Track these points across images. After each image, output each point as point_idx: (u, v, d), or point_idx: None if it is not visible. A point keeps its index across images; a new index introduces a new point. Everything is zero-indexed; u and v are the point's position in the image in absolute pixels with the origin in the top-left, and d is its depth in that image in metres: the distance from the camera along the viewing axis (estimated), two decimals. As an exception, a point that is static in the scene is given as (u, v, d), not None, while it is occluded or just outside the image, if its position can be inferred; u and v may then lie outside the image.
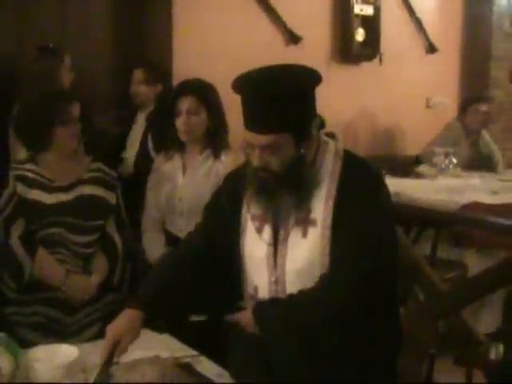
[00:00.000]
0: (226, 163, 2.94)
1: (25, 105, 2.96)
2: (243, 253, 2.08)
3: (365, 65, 5.41)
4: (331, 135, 2.09)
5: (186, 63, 4.29)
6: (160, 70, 3.99)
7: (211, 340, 2.48)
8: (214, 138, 2.98)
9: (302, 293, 1.94)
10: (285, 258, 1.98)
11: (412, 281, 2.77)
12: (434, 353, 2.79)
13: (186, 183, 2.98)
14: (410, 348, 2.49)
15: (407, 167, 4.72)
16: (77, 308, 2.78)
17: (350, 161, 2.00)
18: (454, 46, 6.20)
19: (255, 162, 1.91)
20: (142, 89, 3.86)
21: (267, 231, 2.01)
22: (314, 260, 1.93)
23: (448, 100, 6.07)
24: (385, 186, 1.99)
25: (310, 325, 1.93)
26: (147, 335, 2.42)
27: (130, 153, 3.73)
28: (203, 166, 2.98)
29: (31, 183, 2.77)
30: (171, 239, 3.01)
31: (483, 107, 5.23)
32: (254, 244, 2.04)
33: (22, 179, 2.77)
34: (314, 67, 1.97)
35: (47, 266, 2.74)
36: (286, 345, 1.98)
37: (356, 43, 5.24)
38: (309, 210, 1.94)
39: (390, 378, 2.11)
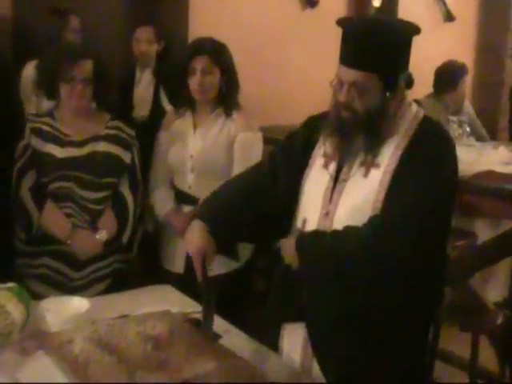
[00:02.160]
0: (238, 122, 2.98)
1: (38, 62, 3.02)
2: (303, 187, 2.13)
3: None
4: (418, 102, 2.14)
5: (202, 27, 4.26)
6: (163, 26, 3.97)
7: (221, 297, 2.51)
8: (226, 98, 2.99)
9: (347, 228, 1.97)
10: (341, 194, 2.03)
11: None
12: (440, 319, 2.80)
13: (197, 141, 2.98)
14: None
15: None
16: (83, 263, 2.80)
17: (427, 124, 2.05)
18: (471, 17, 6.12)
19: (341, 97, 1.97)
20: (151, 47, 3.84)
21: (332, 166, 2.07)
22: (367, 201, 1.97)
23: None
24: (455, 157, 2.01)
25: (348, 261, 1.93)
26: (158, 291, 2.46)
27: (141, 111, 3.72)
28: (215, 125, 2.99)
29: (46, 136, 2.80)
30: (180, 196, 3.03)
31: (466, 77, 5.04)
32: (317, 178, 2.10)
33: (38, 132, 2.80)
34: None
35: (54, 218, 2.77)
36: (320, 280, 1.99)
37: (372, 9, 5.19)
38: (376, 155, 2.00)
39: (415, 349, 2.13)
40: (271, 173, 2.21)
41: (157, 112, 3.31)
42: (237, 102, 3.04)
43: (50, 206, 2.77)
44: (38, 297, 2.32)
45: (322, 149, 2.12)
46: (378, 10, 5.21)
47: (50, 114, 2.87)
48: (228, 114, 2.99)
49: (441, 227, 2.00)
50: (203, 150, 2.96)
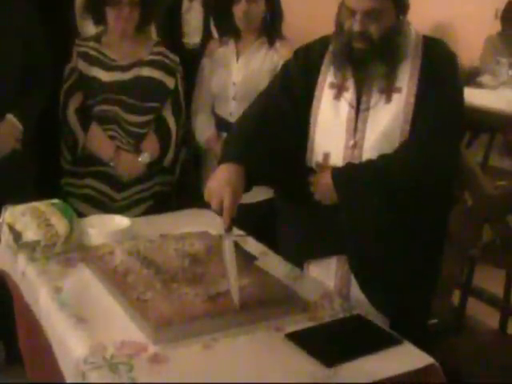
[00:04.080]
0: (281, 52, 2.97)
1: None
2: (315, 120, 2.10)
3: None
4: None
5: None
6: None
7: (258, 222, 2.56)
8: (270, 27, 2.99)
9: (383, 157, 1.98)
10: (366, 123, 2.02)
11: (462, 185, 2.78)
12: (476, 255, 2.82)
13: (240, 68, 3.00)
14: (452, 249, 2.52)
15: (470, 78, 4.60)
16: (126, 185, 2.88)
17: (431, 42, 2.07)
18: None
19: (355, 27, 1.95)
20: None
21: (349, 97, 2.05)
22: (396, 125, 1.98)
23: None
24: (459, 70, 2.08)
25: (395, 185, 1.95)
26: (198, 214, 2.51)
27: (193, 39, 3.75)
28: (258, 53, 3.00)
29: (92, 60, 2.84)
30: (221, 123, 3.05)
31: None
32: (332, 110, 2.08)
33: (84, 56, 2.85)
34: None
35: (98, 140, 2.84)
36: (366, 209, 1.99)
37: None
38: (394, 79, 2.01)
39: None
40: (277, 105, 2.12)
41: (208, 41, 3.34)
42: (280, 32, 3.04)
43: (95, 128, 2.83)
44: (81, 216, 2.40)
45: (328, 80, 2.09)
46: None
47: (97, 38, 2.90)
48: (271, 43, 2.99)
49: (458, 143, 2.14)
50: (245, 78, 2.97)
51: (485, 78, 4.55)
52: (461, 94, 2.05)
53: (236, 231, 2.28)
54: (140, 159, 2.84)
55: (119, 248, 2.00)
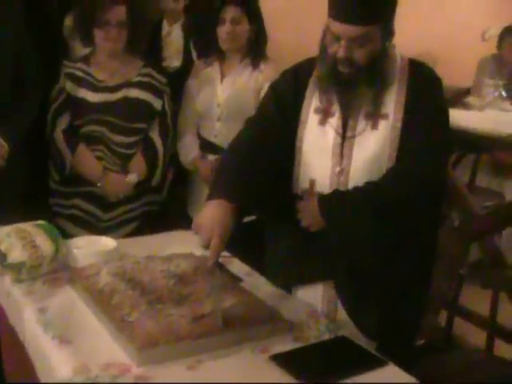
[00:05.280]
0: (266, 73, 2.98)
1: (75, 7, 3.08)
2: (301, 145, 2.08)
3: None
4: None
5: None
6: None
7: (244, 243, 2.55)
8: (254, 48, 3.01)
9: (369, 183, 1.96)
10: (352, 149, 2.00)
11: (449, 204, 2.80)
12: (464, 273, 2.83)
13: (224, 89, 3.02)
14: (440, 268, 2.54)
15: (457, 98, 4.64)
16: (113, 205, 2.90)
17: (416, 66, 2.06)
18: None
19: (340, 53, 1.92)
20: (178, 5, 3.86)
21: (335, 122, 2.03)
22: (383, 152, 1.97)
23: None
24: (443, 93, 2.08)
25: (385, 207, 1.93)
26: (183, 236, 2.51)
27: (173, 62, 3.79)
28: (242, 74, 3.02)
29: (79, 81, 2.87)
30: (205, 144, 3.07)
31: None
32: (317, 135, 2.05)
33: (72, 77, 2.88)
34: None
35: (86, 160, 2.86)
36: (357, 235, 1.98)
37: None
38: (380, 105, 1.99)
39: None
40: (272, 124, 2.10)
41: (189, 64, 3.36)
42: (265, 53, 3.06)
43: (82, 149, 2.85)
44: (69, 236, 2.39)
45: (313, 104, 2.07)
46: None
47: (85, 59, 2.92)
48: (255, 65, 3.00)
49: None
50: (230, 99, 2.99)
51: (471, 99, 4.59)
52: (446, 115, 2.03)
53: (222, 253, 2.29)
54: (127, 179, 2.85)
55: (105, 269, 1.99)
